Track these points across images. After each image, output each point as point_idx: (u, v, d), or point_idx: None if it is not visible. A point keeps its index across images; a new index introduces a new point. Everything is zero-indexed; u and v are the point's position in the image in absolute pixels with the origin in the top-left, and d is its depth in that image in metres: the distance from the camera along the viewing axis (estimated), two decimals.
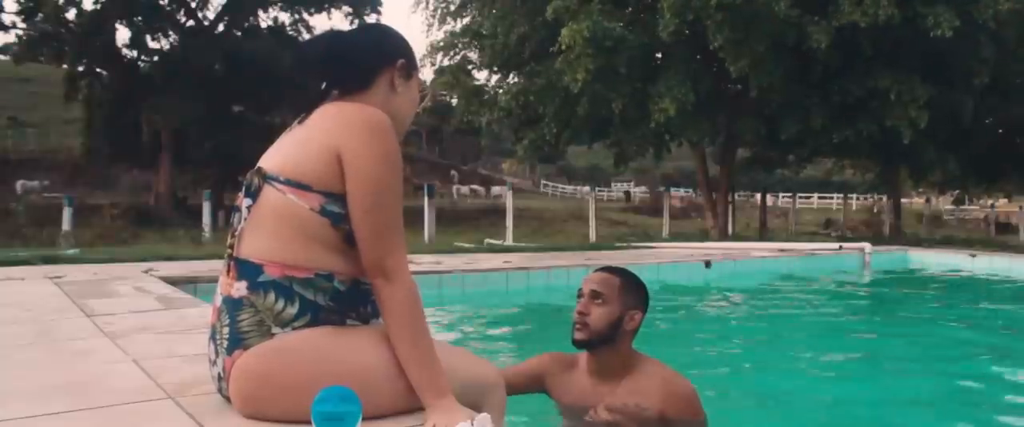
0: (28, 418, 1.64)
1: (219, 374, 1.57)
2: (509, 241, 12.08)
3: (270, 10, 26.90)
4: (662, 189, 22.52)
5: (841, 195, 28.73)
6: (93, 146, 25.95)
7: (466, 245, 10.73)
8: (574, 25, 12.48)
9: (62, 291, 4.19)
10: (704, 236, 15.64)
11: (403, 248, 1.54)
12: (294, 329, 1.50)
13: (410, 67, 1.70)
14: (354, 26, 2.07)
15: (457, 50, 17.04)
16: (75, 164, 28.44)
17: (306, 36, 26.56)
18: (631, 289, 2.26)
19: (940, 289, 8.68)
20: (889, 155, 15.93)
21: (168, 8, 24.99)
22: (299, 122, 1.63)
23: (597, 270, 2.31)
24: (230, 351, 1.51)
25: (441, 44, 16.88)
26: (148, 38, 25.16)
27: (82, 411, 1.72)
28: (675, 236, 15.19)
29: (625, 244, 11.59)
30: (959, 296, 8.02)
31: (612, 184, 46.33)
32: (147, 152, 24.60)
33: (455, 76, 16.96)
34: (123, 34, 25.17)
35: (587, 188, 25.42)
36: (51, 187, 24.79)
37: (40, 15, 23.01)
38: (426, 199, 11.06)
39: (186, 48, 23.91)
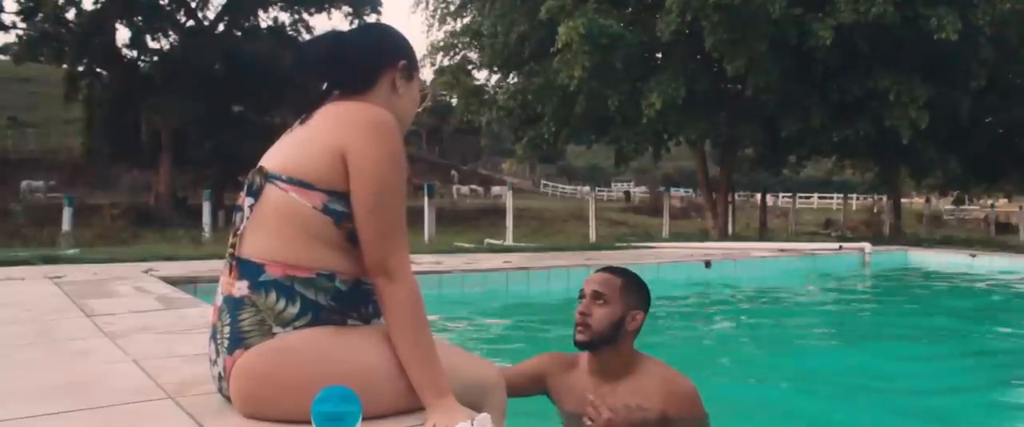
0: (28, 418, 1.64)
1: (220, 373, 1.57)
2: (509, 241, 12.08)
3: (270, 10, 26.93)
4: (662, 189, 22.52)
5: (841, 195, 28.73)
6: (93, 146, 25.97)
7: (466, 245, 10.73)
8: (570, 22, 12.50)
9: (62, 291, 4.19)
10: (704, 236, 15.64)
11: (406, 248, 1.54)
12: (295, 329, 1.49)
13: (411, 68, 1.70)
14: (354, 26, 2.05)
15: (457, 50, 17.07)
16: (75, 164, 28.46)
17: (306, 36, 26.58)
18: (633, 289, 2.26)
19: (940, 289, 8.67)
20: (889, 155, 15.92)
21: (168, 8, 25.01)
22: (300, 122, 1.63)
23: (599, 270, 2.31)
24: (231, 350, 1.51)
25: (441, 44, 16.90)
26: (148, 38, 25.19)
27: (82, 411, 1.72)
28: (675, 236, 15.18)
29: (625, 244, 11.58)
30: (959, 296, 8.02)
31: (612, 184, 46.36)
32: (147, 152, 24.62)
33: (455, 76, 16.97)
34: (123, 34, 25.25)
35: (587, 188, 25.44)
36: (57, 187, 24.81)
37: (40, 15, 23.03)
38: (426, 199, 11.05)
39: (186, 48, 23.93)
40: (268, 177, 1.55)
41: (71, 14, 23.27)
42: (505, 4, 14.91)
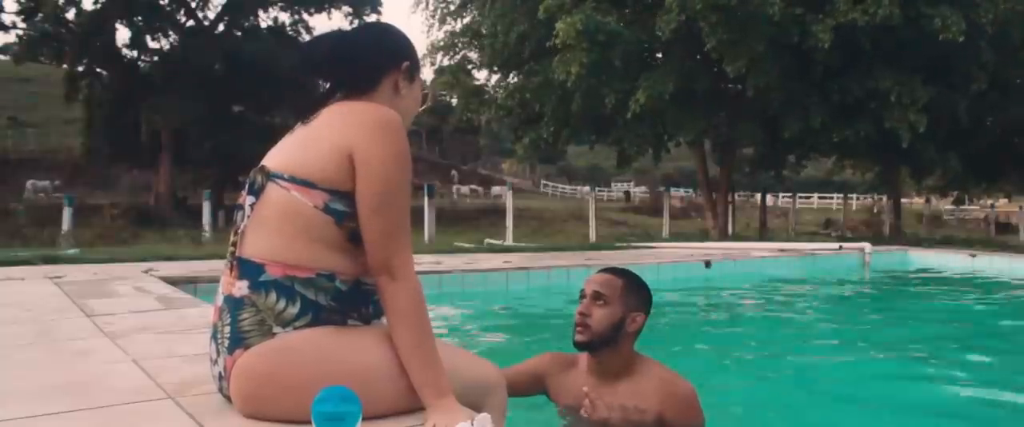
0: (28, 418, 1.64)
1: (220, 373, 1.57)
2: (509, 241, 12.08)
3: (270, 10, 26.94)
4: (662, 189, 22.52)
5: (841, 195, 28.73)
6: (93, 146, 25.98)
7: (466, 245, 10.73)
8: (567, 19, 12.51)
9: (62, 291, 4.19)
10: (704, 236, 15.65)
11: (409, 248, 1.54)
12: (295, 329, 1.49)
13: (413, 69, 1.70)
14: (357, 25, 2.05)
15: (457, 50, 17.07)
16: (75, 164, 28.46)
17: (306, 36, 26.60)
18: (634, 291, 2.25)
19: (940, 289, 8.67)
20: (889, 155, 15.92)
21: (168, 8, 25.02)
22: (303, 122, 1.63)
23: (600, 271, 2.30)
24: (231, 350, 1.51)
25: (441, 44, 16.90)
26: (148, 38, 25.20)
27: (82, 411, 1.71)
28: (675, 236, 15.19)
29: (625, 244, 11.59)
30: (959, 296, 8.02)
31: (612, 184, 46.35)
32: (147, 152, 24.63)
33: (455, 76, 16.99)
34: (123, 34, 25.28)
35: (587, 188, 25.44)
36: (61, 187, 24.84)
37: (40, 15, 23.04)
38: (426, 199, 11.05)
39: (186, 48, 23.94)
40: (270, 176, 1.54)
41: (71, 14, 23.29)
42: (505, 4, 14.93)
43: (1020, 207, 25.13)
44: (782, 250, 10.32)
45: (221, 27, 26.18)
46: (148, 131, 23.61)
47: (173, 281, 4.87)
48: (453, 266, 6.74)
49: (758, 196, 23.30)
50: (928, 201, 26.70)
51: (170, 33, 25.57)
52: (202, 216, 14.40)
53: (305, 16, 27.17)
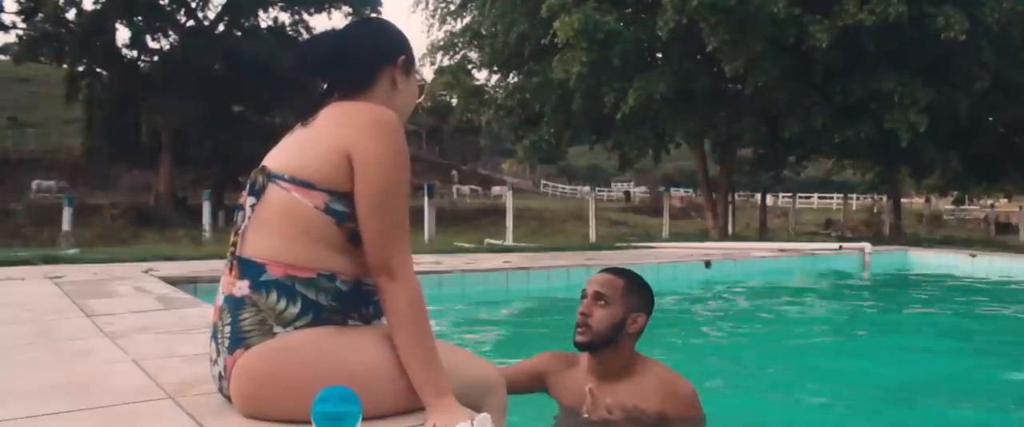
0: (28, 418, 1.64)
1: (220, 373, 1.57)
2: (509, 241, 12.08)
3: (270, 10, 26.95)
4: (662, 189, 22.54)
5: (841, 195, 28.72)
6: (93, 146, 26.00)
7: (466, 245, 10.73)
8: (565, 18, 12.50)
9: (62, 291, 4.19)
10: (704, 236, 15.64)
11: (408, 248, 1.54)
12: (296, 329, 1.49)
13: (410, 63, 1.70)
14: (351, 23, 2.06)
15: (457, 50, 17.05)
16: (75, 164, 28.47)
17: (306, 36, 26.59)
18: (635, 291, 2.25)
19: (940, 289, 8.67)
20: (890, 155, 15.92)
21: (168, 8, 25.03)
22: (302, 123, 1.63)
23: (602, 271, 2.30)
24: (231, 350, 1.51)
25: (441, 44, 16.89)
26: (148, 38, 25.22)
27: (82, 411, 1.71)
28: (675, 236, 15.19)
29: (625, 244, 11.59)
30: (959, 296, 8.02)
31: (612, 184, 46.34)
32: (147, 152, 24.64)
33: (455, 76, 16.98)
34: (123, 34, 25.25)
35: (587, 188, 25.45)
36: (66, 188, 24.88)
37: (40, 15, 23.04)
38: (426, 199, 11.05)
39: (186, 48, 23.95)
40: (271, 177, 1.55)
41: (71, 14, 23.29)
42: (505, 4, 14.93)
43: (1020, 207, 25.13)
44: (782, 250, 10.33)
45: (221, 27, 26.19)
46: (148, 131, 23.62)
47: (173, 281, 4.87)
48: (453, 266, 6.74)
49: (758, 196, 23.30)
50: (928, 201, 26.70)
51: (170, 33, 25.59)
52: (202, 216, 14.42)
53: (305, 16, 27.19)
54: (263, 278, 1.50)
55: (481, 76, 18.12)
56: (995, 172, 19.24)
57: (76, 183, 26.08)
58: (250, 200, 1.56)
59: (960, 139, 15.55)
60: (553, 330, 4.65)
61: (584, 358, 2.31)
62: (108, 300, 3.87)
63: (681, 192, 37.12)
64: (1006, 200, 29.98)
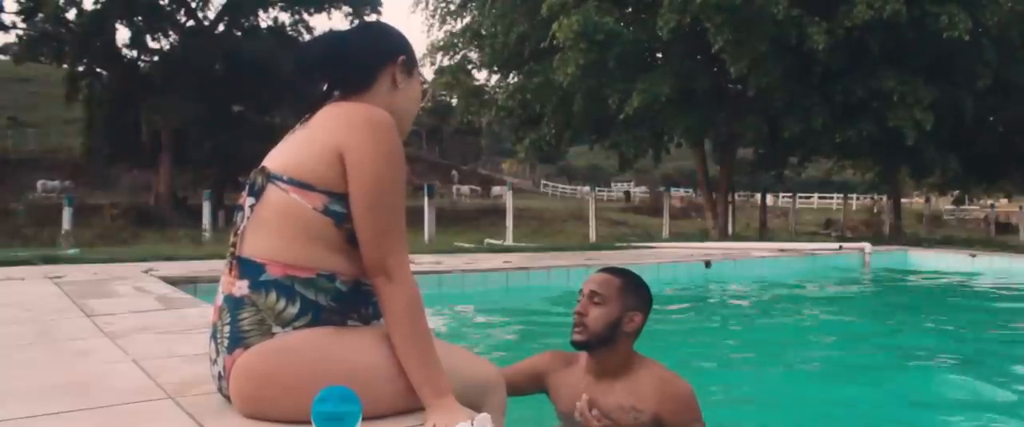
0: (28, 418, 1.64)
1: (219, 373, 1.57)
2: (509, 241, 12.08)
3: (270, 10, 26.95)
4: (662, 189, 22.53)
5: (841, 195, 28.72)
6: (93, 146, 26.00)
7: (466, 245, 10.73)
8: (564, 20, 12.50)
9: (62, 291, 4.19)
10: (704, 236, 15.64)
11: (405, 248, 1.54)
12: (295, 329, 1.50)
13: (410, 63, 1.70)
14: (352, 25, 2.08)
15: (457, 50, 17.05)
16: (75, 164, 28.48)
17: (306, 36, 26.61)
18: (631, 290, 2.25)
19: (940, 289, 8.67)
20: (890, 155, 15.92)
21: (168, 8, 25.02)
22: (301, 123, 1.64)
23: (599, 270, 2.30)
24: (231, 350, 1.51)
25: (441, 44, 16.88)
26: (148, 38, 25.22)
27: (82, 411, 1.72)
28: (675, 236, 15.19)
29: (625, 244, 11.59)
30: (959, 296, 8.02)
31: (612, 184, 46.32)
32: (147, 152, 24.65)
33: (455, 76, 16.96)
34: (123, 34, 25.29)
35: (587, 188, 25.44)
36: (70, 188, 24.91)
37: (40, 15, 23.04)
38: (426, 199, 11.06)
39: (186, 48, 23.96)
40: (270, 177, 1.55)
41: (71, 14, 23.29)
42: (505, 4, 14.92)
43: (1020, 207, 25.14)
44: (782, 250, 10.33)
45: (221, 27, 26.19)
46: (148, 131, 23.62)
47: (173, 281, 4.88)
48: (453, 266, 6.74)
49: (758, 196, 23.30)
50: (928, 201, 26.70)
51: (170, 33, 25.59)
52: (202, 216, 14.42)
53: (305, 16, 27.19)
54: (262, 278, 1.50)
55: (481, 76, 18.12)
56: (995, 172, 19.23)
57: (76, 183, 26.11)
58: (249, 200, 1.57)
59: (961, 139, 15.54)
60: (553, 330, 4.65)
61: (583, 357, 2.32)
62: (108, 300, 3.88)
63: (681, 192, 37.12)
64: (1006, 200, 29.99)
